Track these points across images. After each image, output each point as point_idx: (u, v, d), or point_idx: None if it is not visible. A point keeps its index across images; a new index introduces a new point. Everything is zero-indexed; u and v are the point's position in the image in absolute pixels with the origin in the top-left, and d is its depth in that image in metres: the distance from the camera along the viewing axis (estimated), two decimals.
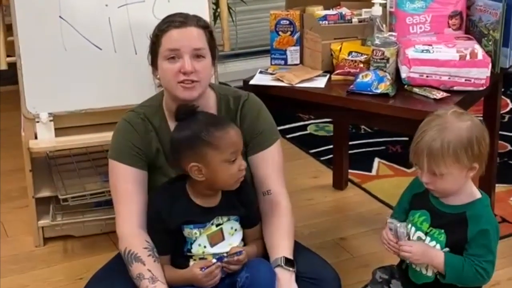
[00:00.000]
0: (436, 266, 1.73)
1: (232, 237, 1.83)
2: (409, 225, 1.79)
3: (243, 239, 1.86)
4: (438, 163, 1.66)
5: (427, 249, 1.73)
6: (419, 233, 1.76)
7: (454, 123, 1.68)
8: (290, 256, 1.82)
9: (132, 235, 1.81)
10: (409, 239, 1.78)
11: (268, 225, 1.89)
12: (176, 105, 1.86)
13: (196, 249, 1.80)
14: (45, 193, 2.60)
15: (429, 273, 1.77)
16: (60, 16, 2.40)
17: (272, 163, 1.94)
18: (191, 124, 1.77)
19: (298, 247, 1.89)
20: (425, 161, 1.66)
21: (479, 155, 1.68)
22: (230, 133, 1.76)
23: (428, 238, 1.74)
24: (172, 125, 1.91)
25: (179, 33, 1.84)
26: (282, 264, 1.79)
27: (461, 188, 1.72)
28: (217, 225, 1.82)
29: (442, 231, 1.73)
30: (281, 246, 1.84)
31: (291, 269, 1.79)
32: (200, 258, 1.80)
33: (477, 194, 1.76)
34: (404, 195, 1.86)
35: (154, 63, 1.89)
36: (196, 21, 1.87)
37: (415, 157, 1.70)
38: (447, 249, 1.73)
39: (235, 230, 1.84)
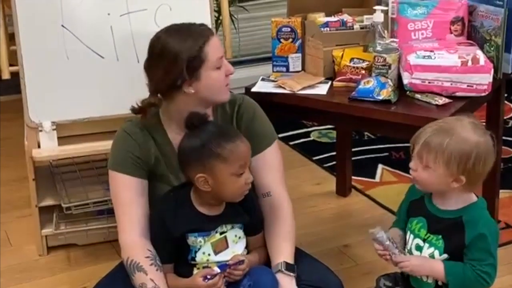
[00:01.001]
0: (437, 276, 1.72)
1: (236, 245, 1.83)
2: (408, 233, 1.78)
3: (246, 247, 1.86)
4: (429, 154, 1.67)
5: (425, 261, 1.73)
6: (417, 240, 1.76)
7: (465, 132, 1.68)
8: (291, 260, 1.82)
9: (134, 244, 1.81)
10: (405, 244, 1.78)
11: (269, 227, 1.89)
12: (185, 113, 1.83)
13: (200, 257, 1.80)
14: (48, 201, 2.60)
15: (430, 280, 1.76)
16: (62, 25, 2.40)
17: (272, 164, 1.95)
18: (201, 134, 1.76)
19: (301, 255, 1.89)
20: (420, 145, 1.68)
21: (471, 172, 1.67)
22: (239, 146, 1.75)
23: (427, 245, 1.74)
24: (171, 133, 1.92)
25: (215, 40, 1.87)
26: (283, 269, 1.79)
27: (450, 192, 1.72)
28: (221, 233, 1.81)
29: (440, 236, 1.72)
30: (282, 250, 1.84)
31: (291, 274, 1.79)
32: (204, 267, 1.80)
33: (473, 198, 1.75)
34: (403, 203, 1.85)
35: (192, 77, 1.83)
36: (209, 28, 1.92)
37: (416, 137, 1.71)
38: (445, 255, 1.72)
39: (239, 238, 1.84)
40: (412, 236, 1.77)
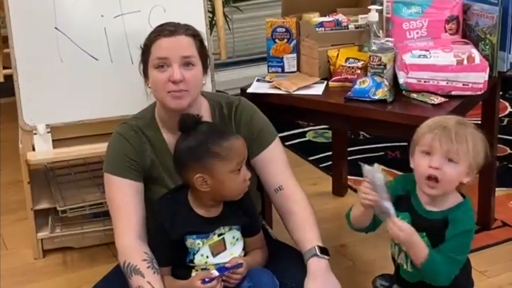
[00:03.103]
0: (416, 253, 1.68)
1: (233, 247, 1.82)
2: None
3: (244, 248, 1.85)
4: (462, 149, 1.63)
5: (414, 235, 1.69)
6: None
7: (473, 128, 1.69)
8: (321, 244, 1.82)
9: (131, 247, 1.80)
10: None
11: (290, 220, 1.89)
12: (169, 114, 1.86)
13: (198, 259, 1.79)
14: (43, 205, 2.59)
15: (409, 268, 1.76)
16: (55, 27, 2.39)
17: (277, 160, 1.95)
18: (196, 134, 1.75)
19: (295, 257, 1.87)
20: (447, 140, 1.63)
21: (480, 166, 1.68)
22: (235, 143, 1.75)
23: None
24: (166, 135, 1.91)
25: (168, 42, 1.84)
26: (318, 253, 1.80)
27: (449, 193, 1.72)
28: (219, 235, 1.81)
29: (424, 234, 1.72)
30: (310, 238, 1.84)
31: (326, 257, 1.81)
32: (202, 269, 1.79)
33: (460, 198, 1.75)
34: (391, 187, 1.78)
35: (145, 73, 1.90)
36: (185, 29, 1.87)
37: (435, 139, 1.65)
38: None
39: (237, 239, 1.83)
40: None
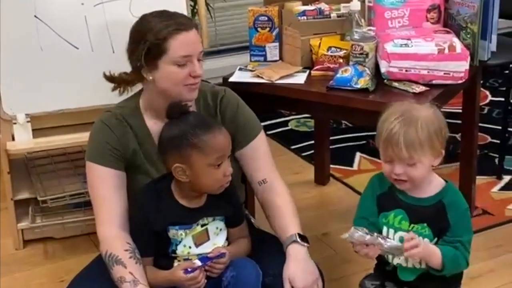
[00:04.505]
0: (434, 260, 1.69)
1: (217, 237, 1.82)
2: (385, 228, 1.76)
3: (227, 238, 1.85)
4: (416, 150, 1.66)
5: (426, 245, 1.69)
6: (401, 233, 1.74)
7: (420, 112, 1.69)
8: (301, 232, 1.85)
9: (113, 237, 1.79)
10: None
11: (272, 209, 1.91)
12: (167, 104, 1.83)
13: (181, 250, 1.79)
14: (24, 195, 2.57)
15: (422, 265, 1.75)
16: (35, 16, 2.36)
17: (262, 153, 1.96)
18: (181, 124, 1.75)
19: (278, 247, 1.87)
20: (404, 150, 1.65)
21: (445, 140, 1.70)
22: (217, 137, 1.74)
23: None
24: (149, 124, 1.90)
25: (187, 37, 1.81)
26: (298, 239, 1.82)
27: (428, 178, 1.72)
28: (202, 226, 1.80)
29: (425, 225, 1.72)
30: (291, 225, 1.86)
31: (306, 244, 1.83)
32: (185, 259, 1.79)
33: (442, 180, 1.76)
34: (366, 199, 1.81)
35: (150, 64, 1.83)
36: (192, 21, 1.88)
37: (389, 149, 1.68)
38: (435, 239, 1.73)
39: (220, 230, 1.83)
40: (392, 230, 1.75)
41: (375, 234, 1.71)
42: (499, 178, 3.00)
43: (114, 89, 1.95)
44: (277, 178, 1.96)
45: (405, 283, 1.79)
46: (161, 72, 1.83)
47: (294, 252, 1.81)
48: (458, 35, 2.29)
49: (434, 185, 1.74)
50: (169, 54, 1.81)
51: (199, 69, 1.84)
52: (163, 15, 1.85)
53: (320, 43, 2.28)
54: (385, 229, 1.76)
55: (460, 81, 2.17)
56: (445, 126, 1.71)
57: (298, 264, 1.79)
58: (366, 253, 1.71)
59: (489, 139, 3.33)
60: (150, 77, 1.84)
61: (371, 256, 1.73)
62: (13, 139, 2.42)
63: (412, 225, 1.73)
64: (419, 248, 1.66)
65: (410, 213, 1.74)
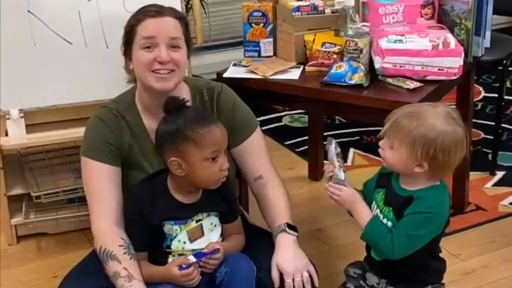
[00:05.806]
0: (358, 220, 1.76)
1: (211, 233, 1.82)
2: (373, 203, 1.80)
3: (222, 234, 1.85)
4: (395, 135, 1.69)
5: (355, 201, 1.76)
6: (377, 211, 1.77)
7: (434, 120, 1.67)
8: (292, 222, 1.86)
9: (107, 232, 1.79)
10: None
11: (264, 202, 1.92)
12: (152, 98, 1.84)
13: (175, 245, 1.79)
14: (17, 190, 2.56)
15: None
16: (28, 11, 2.35)
17: (258, 149, 1.97)
18: (177, 118, 1.74)
19: (272, 242, 1.87)
20: (389, 124, 1.70)
21: (433, 160, 1.67)
22: (213, 131, 1.73)
23: (381, 215, 1.76)
24: (145, 120, 1.90)
25: (155, 22, 1.82)
26: (286, 228, 1.83)
27: (414, 177, 1.72)
28: (197, 221, 1.80)
29: (390, 208, 1.74)
30: (280, 216, 1.87)
31: (294, 233, 1.83)
32: (179, 254, 1.79)
33: (437, 183, 1.75)
34: (374, 176, 1.86)
35: (127, 54, 1.87)
36: (172, 11, 1.86)
37: (389, 116, 1.72)
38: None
39: (215, 225, 1.83)
40: (375, 206, 1.79)
41: (339, 159, 1.79)
42: (493, 174, 3.01)
43: (129, 80, 1.94)
44: (273, 174, 1.96)
45: (377, 264, 1.80)
46: (134, 60, 1.85)
47: (282, 240, 1.82)
48: (452, 31, 2.29)
49: (421, 183, 1.74)
50: (136, 38, 1.82)
51: (165, 55, 1.80)
52: (146, 6, 1.87)
53: (314, 38, 2.28)
54: (374, 203, 1.80)
55: (454, 77, 2.17)
56: (445, 150, 1.66)
57: (287, 251, 1.80)
58: (325, 169, 1.81)
59: (483, 135, 3.33)
60: (131, 66, 1.86)
61: (326, 174, 1.80)
62: (6, 134, 2.42)
63: (383, 206, 1.77)
64: (342, 192, 1.76)
65: (388, 195, 1.76)
